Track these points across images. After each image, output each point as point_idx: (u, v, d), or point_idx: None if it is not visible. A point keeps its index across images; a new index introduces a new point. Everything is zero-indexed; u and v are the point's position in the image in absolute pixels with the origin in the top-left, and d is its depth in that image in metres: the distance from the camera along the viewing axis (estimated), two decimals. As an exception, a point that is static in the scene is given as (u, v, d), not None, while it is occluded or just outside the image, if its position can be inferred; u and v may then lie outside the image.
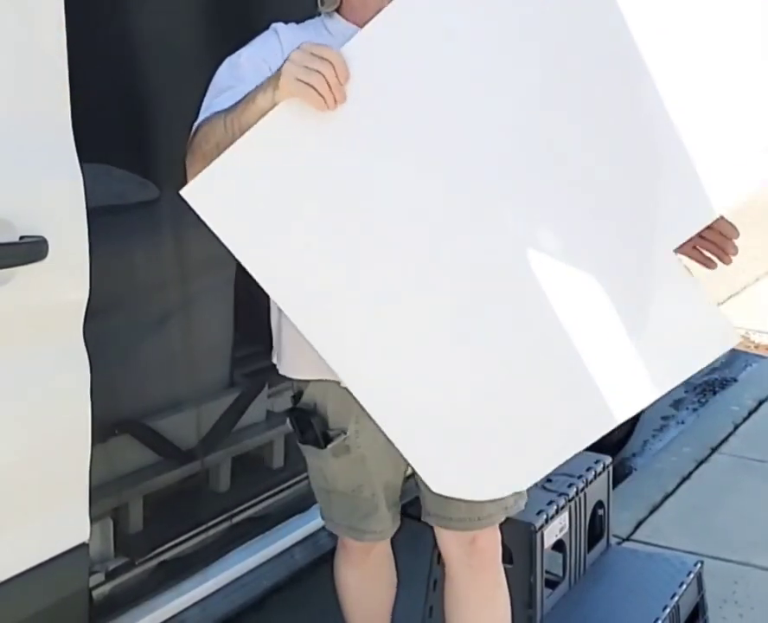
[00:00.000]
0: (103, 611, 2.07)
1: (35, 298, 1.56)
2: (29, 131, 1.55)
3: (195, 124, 1.64)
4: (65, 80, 1.59)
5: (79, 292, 1.62)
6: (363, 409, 1.71)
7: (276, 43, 1.71)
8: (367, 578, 2.12)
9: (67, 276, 1.60)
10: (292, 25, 1.78)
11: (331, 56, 1.45)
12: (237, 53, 1.74)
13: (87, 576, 1.78)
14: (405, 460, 1.80)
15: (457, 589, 1.99)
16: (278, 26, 1.75)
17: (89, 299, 1.64)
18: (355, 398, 1.67)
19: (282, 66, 1.48)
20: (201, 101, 1.73)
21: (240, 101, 1.55)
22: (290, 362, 1.86)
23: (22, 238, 1.50)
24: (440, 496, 1.83)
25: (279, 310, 1.76)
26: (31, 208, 1.52)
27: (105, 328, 1.99)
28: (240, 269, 2.57)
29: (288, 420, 1.92)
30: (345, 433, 1.84)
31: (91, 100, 1.97)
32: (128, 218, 2.32)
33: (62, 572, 1.66)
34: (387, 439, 1.68)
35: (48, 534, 1.63)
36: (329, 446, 1.84)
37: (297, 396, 1.89)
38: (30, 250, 1.51)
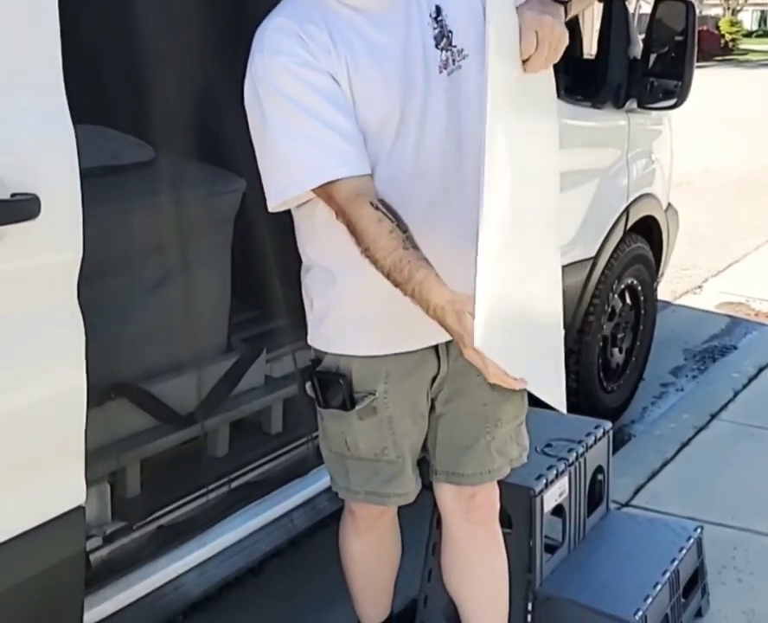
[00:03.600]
0: (100, 575, 2.06)
1: (28, 258, 1.53)
2: (20, 89, 1.52)
3: (329, 173, 1.62)
4: (56, 36, 1.56)
5: (72, 252, 1.60)
6: (392, 369, 1.79)
7: (306, 48, 1.66)
8: (373, 547, 2.12)
9: (59, 235, 1.58)
10: (290, 12, 1.71)
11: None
12: (260, 70, 1.66)
13: (84, 540, 1.77)
14: (424, 421, 1.88)
15: (456, 548, 2.01)
16: (289, 24, 1.69)
17: (85, 261, 1.62)
18: (382, 360, 1.77)
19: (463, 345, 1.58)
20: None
21: (402, 260, 1.59)
22: (337, 339, 1.84)
23: (13, 196, 1.47)
24: (453, 453, 1.89)
25: (332, 284, 1.78)
26: (23, 166, 1.49)
27: (101, 291, 1.97)
28: (237, 232, 2.57)
29: (308, 386, 1.89)
30: (373, 395, 1.82)
31: (84, 58, 1.95)
32: (123, 179, 2.29)
33: (58, 535, 1.65)
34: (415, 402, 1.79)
35: (44, 497, 1.62)
36: (355, 408, 1.82)
37: (317, 361, 1.87)
38: (22, 208, 1.48)
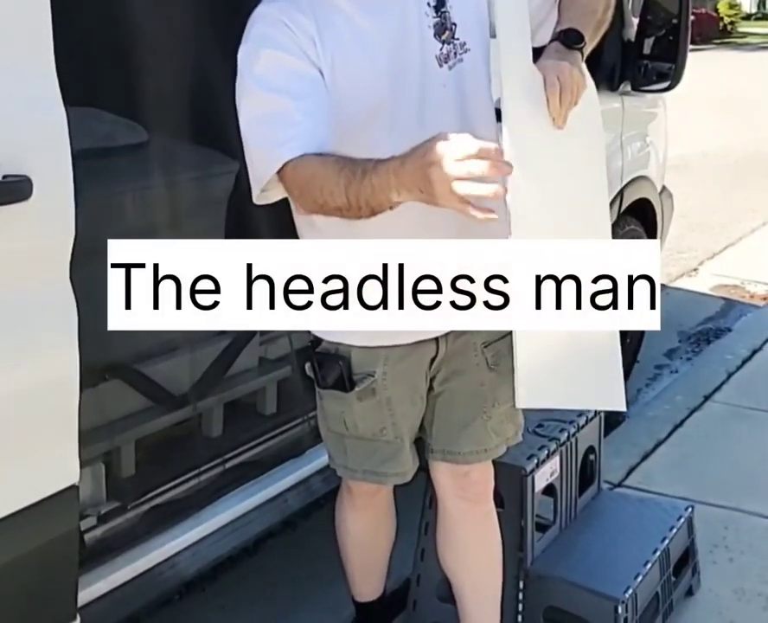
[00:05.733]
0: (95, 554, 2.07)
1: (20, 239, 1.54)
2: (11, 69, 1.52)
3: (285, 154, 1.59)
4: (47, 18, 1.57)
5: (64, 233, 1.61)
6: (391, 352, 1.81)
7: (293, 37, 1.66)
8: (369, 524, 2.15)
9: (52, 216, 1.58)
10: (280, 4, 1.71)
11: (488, 153, 1.41)
12: (248, 55, 1.66)
13: (78, 519, 1.78)
14: (423, 402, 1.90)
15: (451, 525, 2.03)
16: (277, 13, 1.69)
17: (77, 243, 1.63)
18: (380, 342, 1.78)
19: (429, 172, 1.42)
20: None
21: (353, 168, 1.53)
22: (335, 331, 1.84)
23: (5, 177, 1.48)
24: (450, 431, 1.91)
25: None
26: (14, 147, 1.50)
27: (94, 272, 1.98)
28: (231, 214, 2.58)
29: (307, 366, 1.91)
30: (373, 376, 1.84)
31: (76, 40, 1.95)
32: (116, 161, 2.30)
33: (52, 514, 1.66)
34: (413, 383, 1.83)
35: (37, 476, 1.63)
36: (355, 390, 1.84)
37: (317, 342, 1.89)
38: (14, 189, 1.48)
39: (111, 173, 2.25)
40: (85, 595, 1.91)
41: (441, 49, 1.74)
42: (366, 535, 2.17)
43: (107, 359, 2.23)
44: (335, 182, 1.55)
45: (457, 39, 1.75)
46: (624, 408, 1.78)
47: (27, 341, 1.58)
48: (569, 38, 1.71)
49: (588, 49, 1.76)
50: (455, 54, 1.75)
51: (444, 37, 1.74)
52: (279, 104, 1.63)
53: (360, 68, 1.70)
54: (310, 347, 1.90)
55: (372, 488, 2.04)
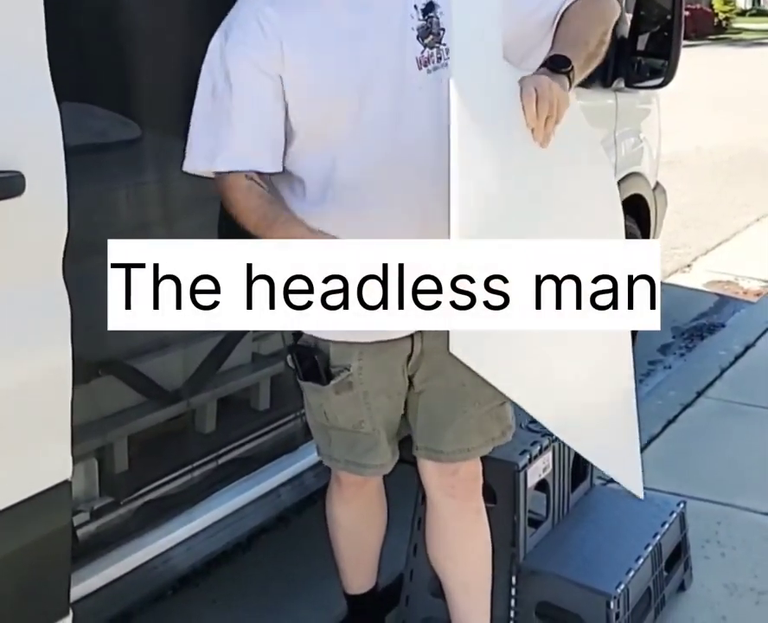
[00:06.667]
0: (88, 550, 2.08)
1: (13, 235, 1.54)
2: (3, 65, 1.52)
3: (219, 164, 1.75)
4: (40, 14, 1.56)
5: (57, 229, 1.61)
6: (366, 347, 1.81)
7: (259, 34, 1.72)
8: (359, 514, 2.16)
9: (44, 212, 1.59)
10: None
11: None
12: (218, 44, 1.75)
13: (70, 514, 1.79)
14: (401, 397, 1.91)
15: (439, 523, 2.04)
16: (260, 8, 1.73)
17: (70, 239, 1.63)
18: (357, 338, 1.78)
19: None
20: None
21: (267, 214, 1.71)
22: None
23: (-2, 173, 1.48)
24: (432, 429, 1.92)
25: None
26: (7, 144, 1.50)
27: (87, 268, 1.98)
28: (224, 210, 2.57)
29: (288, 358, 1.95)
30: (348, 370, 1.86)
31: (70, 36, 1.95)
32: (109, 156, 2.30)
33: (44, 509, 1.66)
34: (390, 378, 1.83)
35: (30, 472, 1.63)
36: (331, 383, 1.87)
37: (297, 335, 1.90)
38: (6, 185, 1.49)
39: (104, 169, 2.25)
40: (78, 591, 1.91)
41: (422, 52, 1.74)
42: (354, 525, 2.19)
43: (100, 355, 2.23)
44: (249, 212, 1.73)
45: (444, 44, 1.75)
46: (641, 496, 1.89)
47: (19, 337, 1.58)
48: (556, 62, 1.72)
49: (577, 77, 1.75)
50: (438, 58, 1.75)
51: (427, 41, 1.74)
52: (229, 106, 1.73)
53: (326, 64, 1.73)
54: (293, 338, 1.92)
55: (359, 479, 2.06)
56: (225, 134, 1.74)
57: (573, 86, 1.73)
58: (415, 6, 1.75)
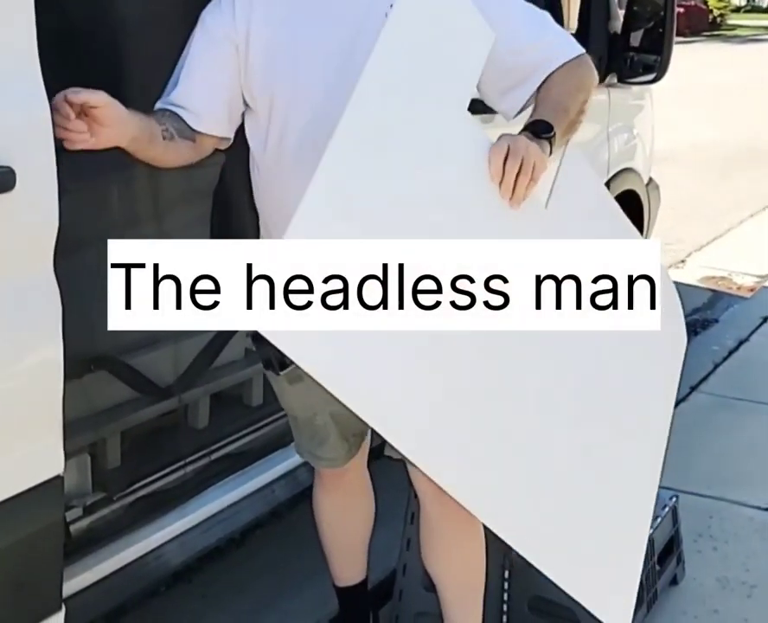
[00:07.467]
0: (80, 545, 2.08)
1: (2, 230, 1.54)
2: (-6, 60, 1.52)
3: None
4: (30, 8, 1.56)
5: (48, 224, 1.60)
6: None
7: (229, 11, 1.82)
8: (341, 504, 2.17)
9: (35, 207, 1.58)
10: None
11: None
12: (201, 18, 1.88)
13: (62, 509, 1.78)
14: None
15: (430, 526, 2.04)
16: None
17: (61, 234, 1.63)
18: None
19: None
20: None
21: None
22: None
23: (-13, 168, 1.48)
24: None
25: None
26: (-4, 138, 1.50)
27: (78, 263, 1.98)
28: (216, 206, 2.58)
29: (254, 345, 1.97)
30: None
31: (60, 30, 1.95)
32: (100, 151, 2.29)
33: (36, 505, 1.66)
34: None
35: (21, 467, 1.63)
36: (282, 373, 1.89)
37: None
38: (-4, 180, 1.49)
39: (94, 164, 2.24)
40: (70, 586, 1.91)
41: None
42: (337, 516, 2.20)
43: (93, 350, 2.23)
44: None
45: None
46: None
47: (10, 332, 1.58)
48: (537, 127, 1.70)
49: (558, 143, 1.73)
50: None
51: None
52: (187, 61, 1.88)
53: (294, 56, 1.77)
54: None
55: (337, 470, 2.08)
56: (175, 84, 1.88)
57: (554, 153, 1.72)
58: (391, 5, 1.74)
